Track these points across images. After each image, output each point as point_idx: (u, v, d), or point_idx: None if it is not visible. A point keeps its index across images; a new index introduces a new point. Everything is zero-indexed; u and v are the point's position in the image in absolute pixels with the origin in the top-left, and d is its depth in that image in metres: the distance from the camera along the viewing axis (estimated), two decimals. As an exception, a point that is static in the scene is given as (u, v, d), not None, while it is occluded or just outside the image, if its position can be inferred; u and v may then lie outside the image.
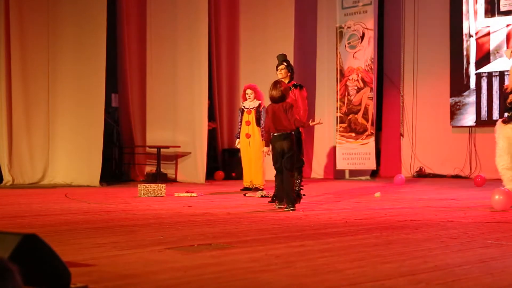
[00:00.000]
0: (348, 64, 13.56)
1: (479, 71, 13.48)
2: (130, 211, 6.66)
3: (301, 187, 7.60)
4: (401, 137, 14.66)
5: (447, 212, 6.55)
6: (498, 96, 12.84)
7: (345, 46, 13.58)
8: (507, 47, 12.84)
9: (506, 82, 8.33)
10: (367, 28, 13.32)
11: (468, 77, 13.62)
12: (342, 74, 13.63)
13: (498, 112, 12.75)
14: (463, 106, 13.68)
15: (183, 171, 12.45)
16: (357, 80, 13.42)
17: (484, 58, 13.40)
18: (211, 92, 13.19)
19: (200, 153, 12.03)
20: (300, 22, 13.84)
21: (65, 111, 11.33)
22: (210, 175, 12.67)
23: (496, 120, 8.23)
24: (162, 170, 12.17)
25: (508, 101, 7.63)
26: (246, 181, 10.05)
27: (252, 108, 10.01)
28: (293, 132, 6.93)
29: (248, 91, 10.07)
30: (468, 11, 13.60)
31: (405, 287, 2.98)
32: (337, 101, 13.67)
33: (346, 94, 13.56)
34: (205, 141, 12.07)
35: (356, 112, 13.41)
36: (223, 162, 13.52)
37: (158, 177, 11.85)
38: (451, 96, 13.84)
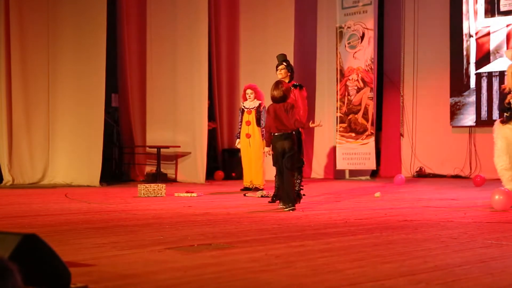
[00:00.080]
0: (348, 64, 13.56)
1: (479, 71, 13.48)
2: (130, 211, 6.66)
3: (301, 187, 7.60)
4: (401, 137, 14.66)
5: (447, 212, 6.55)
6: (498, 96, 12.84)
7: (345, 46, 13.58)
8: (507, 47, 12.83)
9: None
10: (367, 28, 13.32)
11: (468, 77, 13.63)
12: (342, 74, 13.63)
13: (498, 112, 12.74)
14: (463, 106, 13.68)
15: (183, 171, 12.45)
16: (357, 80, 13.42)
17: (484, 58, 13.40)
18: (211, 92, 13.19)
19: (200, 153, 12.03)
20: (300, 22, 13.84)
21: (65, 111, 11.33)
22: (210, 175, 12.67)
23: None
24: (162, 170, 12.17)
25: (506, 101, 7.63)
26: (246, 181, 10.05)
27: (252, 108, 10.01)
28: (294, 132, 6.94)
29: (248, 91, 10.07)
30: (468, 11, 13.60)
31: (405, 287, 2.98)
32: (337, 101, 13.67)
33: (346, 94, 13.56)
34: (205, 141, 12.07)
35: (356, 112, 13.41)
36: (223, 162, 13.52)
37: (158, 177, 11.85)
38: (451, 96, 13.84)
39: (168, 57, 12.61)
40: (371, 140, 13.26)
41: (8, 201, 7.94)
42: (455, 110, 13.80)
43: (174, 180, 12.37)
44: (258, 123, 9.93)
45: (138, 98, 12.86)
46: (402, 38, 14.65)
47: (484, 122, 13.17)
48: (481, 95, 13.42)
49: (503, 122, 7.71)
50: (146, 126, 12.88)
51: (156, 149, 12.15)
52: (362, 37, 13.36)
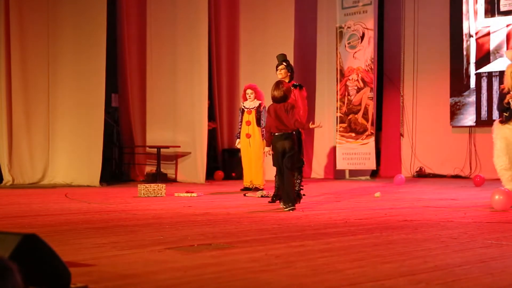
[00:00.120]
0: (348, 64, 13.56)
1: (479, 71, 13.48)
2: (130, 211, 6.66)
3: (301, 187, 7.60)
4: (401, 137, 14.66)
5: (447, 212, 6.55)
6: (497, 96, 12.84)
7: (345, 46, 13.58)
8: (507, 47, 12.83)
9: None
10: (367, 28, 13.32)
11: (468, 77, 13.63)
12: (342, 74, 13.63)
13: (498, 112, 12.74)
14: (463, 106, 13.69)
15: (183, 171, 12.45)
16: (357, 80, 13.42)
17: (484, 58, 13.41)
18: (211, 92, 13.19)
19: (200, 153, 12.03)
20: (300, 22, 13.84)
21: (65, 111, 11.33)
22: (210, 175, 12.67)
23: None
24: (162, 170, 12.17)
25: (506, 101, 7.63)
26: (246, 181, 10.05)
27: (252, 108, 10.01)
28: (294, 132, 6.94)
29: (249, 91, 10.07)
30: (468, 11, 13.60)
31: (405, 287, 2.98)
32: (337, 101, 13.68)
33: (346, 94, 13.56)
34: (205, 141, 12.07)
35: (356, 112, 13.41)
36: (223, 162, 13.52)
37: (158, 177, 11.85)
38: (451, 96, 13.84)
39: (168, 57, 12.60)
40: (371, 140, 13.26)
41: (8, 201, 7.94)
42: (455, 110, 13.81)
43: (174, 180, 12.37)
44: (258, 123, 9.93)
45: (138, 98, 12.86)
46: (402, 38, 14.66)
47: (484, 122, 13.17)
48: (481, 95, 13.42)
49: (502, 122, 7.70)
50: (146, 126, 12.88)
51: (156, 149, 12.15)
52: (362, 37, 13.36)
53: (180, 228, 5.21)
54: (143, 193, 8.65)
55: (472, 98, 13.56)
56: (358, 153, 13.32)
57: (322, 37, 14.28)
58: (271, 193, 7.98)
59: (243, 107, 10.13)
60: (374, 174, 13.96)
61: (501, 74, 8.03)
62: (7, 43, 10.96)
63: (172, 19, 12.54)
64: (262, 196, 8.63)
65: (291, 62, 8.53)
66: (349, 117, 13.49)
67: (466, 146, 13.73)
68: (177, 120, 12.50)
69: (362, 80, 13.36)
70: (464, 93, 13.66)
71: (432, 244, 4.31)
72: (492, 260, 3.66)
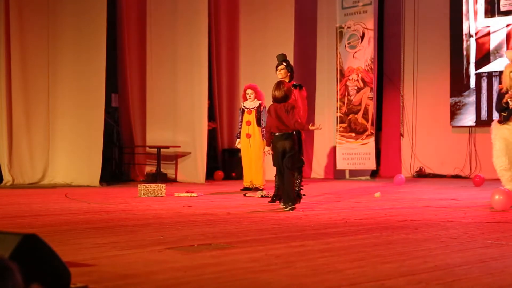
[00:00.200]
0: (348, 64, 13.56)
1: (479, 71, 13.48)
2: (130, 211, 6.66)
3: (301, 187, 7.60)
4: (401, 137, 14.66)
5: (447, 212, 6.55)
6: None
7: (345, 46, 13.58)
8: (507, 47, 12.83)
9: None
10: (367, 28, 13.32)
11: (468, 77, 13.63)
12: (342, 74, 13.63)
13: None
14: (463, 106, 13.69)
15: (183, 171, 12.45)
16: (357, 80, 13.42)
17: (484, 58, 13.41)
18: (211, 92, 13.19)
19: (200, 153, 12.03)
20: (300, 22, 13.84)
21: (65, 111, 11.33)
22: (210, 175, 12.67)
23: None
24: (162, 170, 12.17)
25: (504, 100, 7.62)
26: (246, 181, 10.05)
27: (252, 108, 10.01)
28: (294, 132, 6.95)
29: (249, 91, 10.07)
30: (468, 11, 13.60)
31: (405, 287, 2.98)
32: (337, 101, 13.67)
33: (346, 94, 13.56)
34: (205, 141, 12.07)
35: (356, 112, 13.41)
36: (223, 162, 13.52)
37: (158, 177, 11.85)
38: (451, 96, 13.84)
39: (168, 57, 12.61)
40: (371, 140, 13.26)
41: (8, 201, 7.94)
42: (455, 110, 13.81)
43: (174, 180, 12.37)
44: (258, 123, 9.93)
45: (138, 98, 12.86)
46: (402, 38, 14.66)
47: (484, 122, 13.16)
48: (481, 95, 13.42)
49: (501, 122, 7.69)
50: (146, 126, 12.88)
51: (156, 149, 12.15)
52: (362, 37, 13.36)
53: (180, 228, 5.21)
54: (143, 193, 8.65)
55: (472, 98, 13.56)
56: (358, 153, 13.32)
57: (322, 37, 14.28)
58: (271, 193, 7.98)
59: (243, 107, 10.13)
60: (374, 174, 13.96)
61: (501, 74, 8.02)
62: (7, 43, 10.96)
63: (172, 19, 12.54)
64: (262, 196, 8.63)
65: (291, 62, 8.53)
66: (349, 117, 13.49)
67: (466, 146, 13.73)
68: (177, 120, 12.50)
69: (362, 80, 13.36)
70: (464, 93, 13.67)
71: (432, 244, 4.31)
72: (492, 260, 3.66)
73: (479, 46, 13.50)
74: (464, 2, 13.63)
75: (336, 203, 7.85)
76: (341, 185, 11.54)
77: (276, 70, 7.95)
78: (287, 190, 6.82)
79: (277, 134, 6.89)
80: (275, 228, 5.21)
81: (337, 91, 13.68)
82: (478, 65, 13.48)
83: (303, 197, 7.59)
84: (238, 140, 10.16)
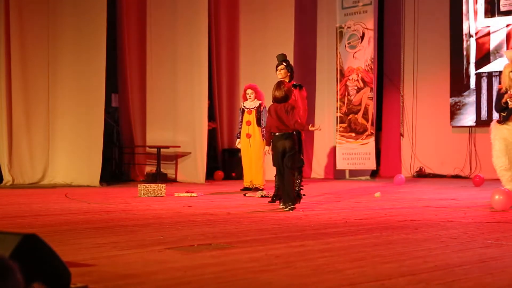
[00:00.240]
0: (348, 64, 13.56)
1: (479, 71, 13.48)
2: (130, 211, 6.66)
3: (301, 187, 7.60)
4: (401, 137, 14.66)
5: (447, 212, 6.55)
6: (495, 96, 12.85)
7: (345, 46, 13.58)
8: (507, 47, 12.83)
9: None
10: (367, 28, 13.32)
11: (468, 77, 13.63)
12: (342, 74, 13.63)
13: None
14: (463, 106, 13.69)
15: (183, 171, 12.45)
16: (357, 80, 13.42)
17: (484, 58, 13.41)
18: (211, 92, 13.19)
19: (200, 153, 12.03)
20: (300, 22, 13.84)
21: (65, 111, 11.33)
22: (210, 175, 12.67)
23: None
24: (162, 170, 12.16)
25: (503, 100, 7.62)
26: (246, 181, 10.05)
27: (252, 108, 10.01)
28: (294, 132, 6.95)
29: (249, 91, 10.07)
30: (468, 11, 13.60)
31: (405, 287, 2.98)
32: (337, 101, 13.67)
33: (346, 94, 13.56)
34: (205, 141, 12.07)
35: (356, 112, 13.41)
36: (223, 162, 13.52)
37: (158, 177, 11.85)
38: (451, 96, 13.85)
39: (168, 57, 12.61)
40: (371, 140, 13.26)
41: (8, 201, 7.94)
42: (455, 110, 13.81)
43: (174, 180, 12.37)
44: (259, 123, 9.93)
45: (138, 98, 12.86)
46: (402, 38, 14.66)
47: (484, 122, 13.15)
48: (481, 95, 13.43)
49: (500, 122, 7.69)
50: (146, 126, 12.88)
51: (156, 149, 12.15)
52: (362, 37, 13.36)
53: (180, 228, 5.21)
54: (143, 193, 8.65)
55: (472, 98, 13.56)
56: (358, 153, 13.32)
57: (322, 37, 14.28)
58: (271, 193, 7.98)
59: (243, 107, 10.13)
60: (374, 174, 13.96)
61: (501, 74, 8.02)
62: (7, 43, 10.96)
63: (172, 19, 12.54)
64: (262, 196, 8.63)
65: (291, 62, 8.53)
66: (349, 117, 13.49)
67: (466, 146, 13.73)
68: (177, 120, 12.50)
69: (362, 80, 13.36)
70: (464, 93, 13.67)
71: (432, 244, 4.31)
72: (492, 260, 3.66)
73: (479, 46, 13.50)
74: (464, 2, 13.63)
75: (336, 203, 7.85)
76: (341, 185, 11.54)
77: (276, 70, 7.95)
78: (287, 189, 6.83)
79: (277, 134, 6.90)
80: (275, 228, 5.21)
81: (337, 91, 13.68)
82: (478, 65, 13.48)
83: (303, 197, 7.59)
84: (238, 140, 10.16)
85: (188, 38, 12.25)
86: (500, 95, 7.72)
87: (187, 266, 3.50)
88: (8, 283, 2.10)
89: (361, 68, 13.38)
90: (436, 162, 14.08)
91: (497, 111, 7.86)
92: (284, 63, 7.89)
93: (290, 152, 6.83)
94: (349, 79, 13.53)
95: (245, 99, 10.15)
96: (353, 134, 13.43)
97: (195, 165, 12.09)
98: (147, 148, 12.76)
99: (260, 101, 10.05)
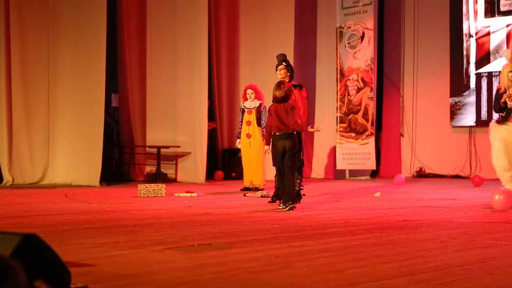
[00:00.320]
0: (348, 64, 13.56)
1: (479, 71, 13.48)
2: (130, 211, 6.66)
3: (301, 187, 7.60)
4: (401, 137, 14.66)
5: (447, 212, 6.55)
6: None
7: (345, 46, 13.58)
8: (507, 47, 12.83)
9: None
10: (367, 28, 13.32)
11: (468, 77, 13.63)
12: (342, 74, 13.63)
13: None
14: (463, 106, 13.69)
15: (183, 171, 12.45)
16: (357, 80, 13.42)
17: (484, 58, 13.41)
18: (211, 92, 13.19)
19: (200, 153, 12.03)
20: (300, 22, 13.84)
21: (65, 111, 11.33)
22: (210, 175, 12.67)
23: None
24: (162, 170, 12.16)
25: (502, 100, 7.61)
26: (246, 181, 10.05)
27: (252, 108, 10.01)
28: (295, 132, 6.95)
29: (249, 91, 10.07)
30: (468, 11, 13.60)
31: (405, 287, 2.98)
32: (337, 101, 13.67)
33: (346, 94, 13.56)
34: (205, 141, 12.07)
35: (356, 112, 13.41)
36: (223, 162, 13.52)
37: (158, 177, 11.85)
38: (451, 96, 13.85)
39: (168, 57, 12.61)
40: (371, 140, 13.26)
41: (8, 201, 7.94)
42: (455, 110, 13.81)
43: (174, 180, 12.37)
44: (259, 123, 9.93)
45: (138, 98, 12.86)
46: (402, 38, 14.66)
47: (484, 122, 13.15)
48: (481, 95, 13.43)
49: (499, 122, 7.68)
50: (146, 126, 12.88)
51: (156, 149, 12.15)
52: (362, 37, 13.36)
53: (180, 228, 5.21)
54: (143, 193, 8.65)
55: (472, 98, 13.56)
56: (358, 153, 13.32)
57: (322, 37, 14.28)
58: (271, 193, 7.98)
59: (243, 107, 10.13)
60: (374, 174, 13.96)
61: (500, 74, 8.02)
62: (7, 43, 10.96)
63: (172, 20, 12.54)
64: (262, 196, 8.63)
65: (291, 62, 8.53)
66: (349, 117, 13.49)
67: (466, 146, 13.73)
68: (177, 120, 12.50)
69: (362, 80, 13.36)
70: (464, 93, 13.67)
71: (432, 244, 4.31)
72: (492, 260, 3.66)
73: (479, 46, 13.50)
74: (464, 2, 13.63)
75: (336, 203, 7.85)
76: (341, 185, 11.54)
77: (276, 70, 7.95)
78: (287, 189, 6.83)
79: (277, 133, 6.90)
80: (275, 228, 5.21)
81: (337, 91, 13.68)
82: (478, 65, 13.48)
83: (303, 197, 7.60)
84: (238, 140, 10.16)
85: (188, 38, 12.25)
86: (499, 95, 7.72)
87: (187, 266, 3.50)
88: (11, 282, 2.10)
89: (361, 68, 13.38)
90: (436, 162, 14.08)
91: (496, 111, 7.85)
92: (284, 63, 7.89)
93: (290, 152, 6.84)
94: (349, 79, 13.53)
95: (245, 99, 10.15)
96: (353, 134, 13.43)
97: (195, 165, 12.09)
98: (147, 148, 12.76)
99: (260, 101, 10.05)
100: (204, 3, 12.11)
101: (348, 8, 13.58)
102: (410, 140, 14.46)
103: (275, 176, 7.44)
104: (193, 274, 3.27)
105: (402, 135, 14.64)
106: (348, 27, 13.54)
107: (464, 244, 4.29)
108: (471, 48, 13.57)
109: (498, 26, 13.23)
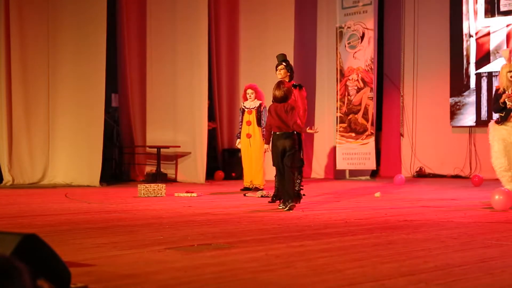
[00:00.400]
0: (348, 64, 13.56)
1: (479, 71, 13.48)
2: (130, 211, 6.66)
3: (301, 187, 7.60)
4: (401, 137, 14.66)
5: (447, 212, 6.55)
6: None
7: (345, 46, 13.58)
8: (507, 47, 12.83)
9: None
10: (367, 28, 13.32)
11: (468, 77, 13.63)
12: (342, 74, 13.63)
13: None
14: (463, 106, 13.69)
15: (183, 171, 12.45)
16: (357, 80, 13.42)
17: (484, 58, 13.41)
18: (211, 92, 13.19)
19: (200, 153, 12.03)
20: (300, 22, 13.84)
21: (65, 111, 11.33)
22: (210, 175, 12.67)
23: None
24: (162, 170, 12.16)
25: (501, 100, 7.61)
26: (246, 181, 10.05)
27: (253, 108, 10.01)
28: (295, 132, 6.96)
29: (249, 91, 10.07)
30: (468, 11, 13.60)
31: (405, 287, 2.98)
32: (337, 101, 13.67)
33: (346, 94, 13.56)
34: (205, 141, 12.07)
35: (356, 112, 13.41)
36: (223, 162, 13.52)
37: (158, 177, 11.85)
38: (451, 96, 13.85)
39: (168, 57, 12.61)
40: (371, 140, 13.26)
41: (8, 201, 7.94)
42: (455, 110, 13.81)
43: (174, 180, 12.37)
44: (259, 123, 9.93)
45: (138, 98, 12.86)
46: (402, 38, 14.66)
47: (484, 122, 13.14)
48: (481, 95, 13.43)
49: (498, 122, 7.67)
50: (146, 126, 12.88)
51: (156, 149, 12.15)
52: (362, 37, 13.36)
53: (180, 228, 5.21)
54: (143, 193, 8.65)
55: (472, 98, 13.56)
56: (358, 153, 13.32)
57: (322, 37, 14.28)
58: (271, 193, 7.98)
59: (243, 107, 10.13)
60: (374, 174, 13.96)
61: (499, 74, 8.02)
62: (7, 43, 10.96)
63: (172, 19, 12.54)
64: (262, 196, 8.63)
65: (291, 62, 8.53)
66: (349, 117, 13.49)
67: (466, 146, 13.73)
68: (177, 120, 12.50)
69: (362, 80, 13.36)
70: (464, 93, 13.67)
71: (432, 244, 4.31)
72: (492, 260, 3.66)
73: (479, 46, 13.50)
74: (464, 2, 13.63)
75: (336, 203, 7.85)
76: (341, 185, 11.54)
77: (276, 70, 7.95)
78: (287, 188, 6.83)
79: (277, 133, 6.90)
80: (275, 228, 5.21)
81: (337, 91, 13.68)
82: (478, 65, 13.48)
83: (303, 197, 7.59)
84: (238, 140, 10.16)
85: (188, 38, 12.25)
86: (498, 95, 7.71)
87: (187, 266, 3.50)
88: (17, 283, 2.10)
89: (361, 68, 13.38)
90: (436, 162, 14.08)
91: (495, 111, 7.85)
92: (284, 63, 7.89)
93: (290, 152, 6.84)
94: (349, 79, 13.53)
95: (245, 99, 10.15)
96: (353, 134, 13.43)
97: (195, 165, 12.09)
98: (147, 148, 12.76)
99: (260, 101, 10.05)
100: (204, 3, 12.11)
101: (348, 8, 13.58)
102: (410, 140, 14.46)
103: (275, 176, 7.44)
104: (193, 274, 3.27)
105: (402, 135, 14.64)
106: (348, 27, 13.54)
107: (464, 244, 4.29)
108: (471, 48, 13.58)
109: (498, 26, 13.23)
